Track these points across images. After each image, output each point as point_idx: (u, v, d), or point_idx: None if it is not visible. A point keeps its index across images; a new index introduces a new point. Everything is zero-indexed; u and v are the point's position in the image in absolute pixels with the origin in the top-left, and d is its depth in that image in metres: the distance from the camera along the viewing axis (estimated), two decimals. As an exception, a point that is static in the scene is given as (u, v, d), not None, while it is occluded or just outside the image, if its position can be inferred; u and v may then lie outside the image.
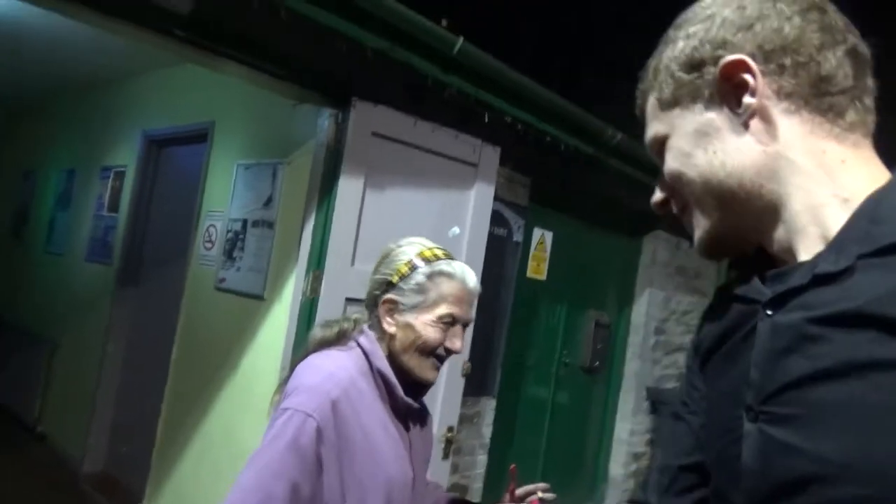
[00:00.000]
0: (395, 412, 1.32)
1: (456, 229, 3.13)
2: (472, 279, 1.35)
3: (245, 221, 3.22)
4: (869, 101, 0.69)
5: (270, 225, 3.07)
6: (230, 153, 3.44)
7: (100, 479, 4.04)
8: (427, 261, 1.34)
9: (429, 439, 1.50)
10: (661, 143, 0.75)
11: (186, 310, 3.52)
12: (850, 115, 0.67)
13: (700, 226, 0.73)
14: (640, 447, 4.96)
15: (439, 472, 3.11)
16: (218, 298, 3.31)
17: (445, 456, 3.13)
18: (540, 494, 1.42)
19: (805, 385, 0.59)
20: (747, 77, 0.66)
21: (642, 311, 4.87)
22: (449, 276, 1.32)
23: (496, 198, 3.42)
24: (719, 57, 0.68)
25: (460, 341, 1.33)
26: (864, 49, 0.69)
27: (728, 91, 0.68)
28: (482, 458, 3.70)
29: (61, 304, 4.82)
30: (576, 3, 5.49)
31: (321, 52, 2.54)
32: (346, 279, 2.76)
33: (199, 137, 3.66)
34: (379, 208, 2.86)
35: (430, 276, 1.31)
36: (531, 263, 4.06)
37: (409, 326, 1.29)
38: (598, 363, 4.63)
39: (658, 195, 0.79)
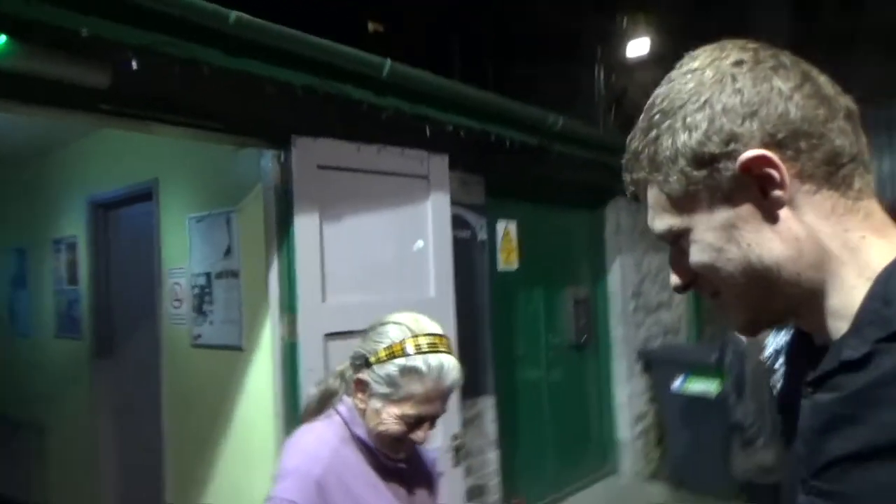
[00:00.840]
0: (384, 472, 1.33)
1: (420, 242, 3.13)
2: (450, 377, 1.26)
3: (209, 275, 3.18)
4: (867, 159, 0.68)
5: (235, 274, 3.04)
6: (180, 208, 3.38)
7: (115, 554, 3.99)
8: (405, 354, 1.25)
9: (432, 482, 1.50)
10: (679, 234, 0.71)
11: (168, 372, 3.47)
12: (857, 182, 0.67)
13: (741, 311, 0.72)
14: (642, 407, 5.05)
15: (454, 480, 3.14)
16: (196, 356, 3.27)
17: (456, 463, 3.15)
18: None
19: (843, 464, 0.62)
20: (771, 172, 0.64)
21: (617, 278, 4.94)
22: (420, 375, 1.23)
23: (453, 202, 3.42)
24: (733, 153, 0.65)
25: (424, 433, 1.29)
26: (854, 105, 0.69)
27: (751, 183, 0.66)
28: (492, 456, 3.74)
29: (40, 385, 4.71)
30: None
31: (251, 99, 2.50)
32: (320, 317, 2.74)
33: (145, 196, 3.59)
34: (339, 239, 2.84)
35: (402, 372, 1.24)
36: (501, 256, 4.09)
37: (375, 412, 1.28)
38: (585, 337, 4.69)
39: (678, 281, 0.75)
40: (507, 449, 3.95)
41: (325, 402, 1.35)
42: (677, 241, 0.72)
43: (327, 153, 2.78)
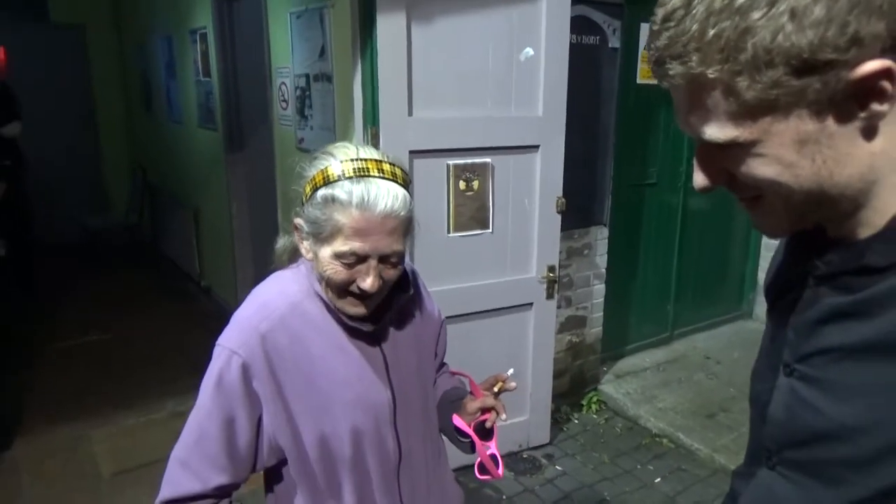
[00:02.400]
0: (354, 333, 1.16)
1: (529, 50, 2.69)
2: (380, 203, 1.02)
3: (308, 76, 3.03)
4: None
5: (329, 78, 2.86)
6: (283, 1, 3.18)
7: (254, 326, 4.50)
8: (325, 182, 1.04)
9: (425, 341, 1.31)
10: (740, 146, 0.60)
11: (279, 171, 3.54)
12: None
13: (785, 222, 0.65)
14: (794, 251, 4.47)
15: (545, 312, 3.02)
16: (301, 159, 3.26)
17: (549, 296, 3.00)
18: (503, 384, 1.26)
19: (836, 354, 0.63)
20: (886, 85, 0.54)
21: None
22: (341, 203, 1.02)
23: (578, 0, 2.87)
24: (851, 61, 0.53)
25: (373, 279, 1.06)
26: None
27: (854, 96, 0.55)
28: (599, 288, 3.54)
29: (192, 169, 5.13)
30: None
31: None
32: (404, 132, 2.53)
33: (255, -13, 3.41)
34: (430, 43, 2.51)
35: (324, 203, 1.03)
36: (642, 67, 3.50)
37: (316, 258, 1.09)
38: (736, 167, 4.07)
39: (707, 182, 0.65)
40: (618, 282, 3.71)
41: (295, 250, 1.19)
42: (728, 149, 0.61)
43: (418, -63, 2.36)
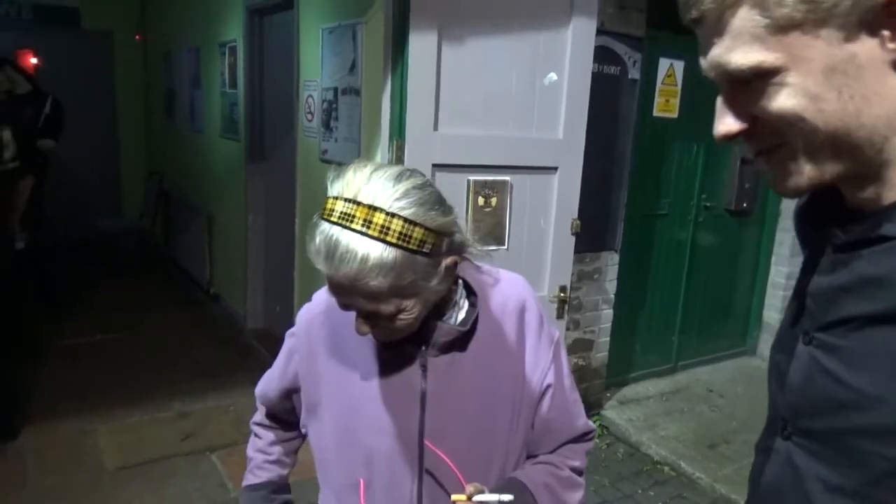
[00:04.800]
0: (394, 354, 1.03)
1: (553, 76, 2.78)
2: (345, 265, 0.85)
3: (336, 90, 3.13)
4: None
5: (357, 92, 2.95)
6: (316, 17, 3.29)
7: (261, 335, 4.53)
8: (321, 212, 0.89)
9: (504, 393, 1.07)
10: (767, 73, 0.58)
11: (300, 182, 3.62)
12: None
13: (804, 174, 0.62)
14: (800, 291, 4.51)
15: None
16: (323, 170, 3.32)
17: (559, 315, 3.04)
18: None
19: (857, 322, 0.62)
20: None
21: (803, 141, 4.19)
22: (315, 248, 0.88)
23: (603, 31, 2.98)
24: None
25: (361, 326, 0.94)
26: None
27: (882, 21, 0.54)
28: (607, 313, 3.58)
29: (209, 178, 5.22)
30: None
31: None
32: (429, 146, 2.61)
33: (289, 3, 3.53)
34: (459, 63, 2.60)
35: (308, 243, 0.90)
36: (658, 100, 3.60)
37: None
38: (745, 204, 4.15)
39: (734, 125, 0.63)
40: (626, 309, 3.76)
41: None
42: (752, 81, 0.59)
43: (454, -39, 2.46)
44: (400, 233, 0.86)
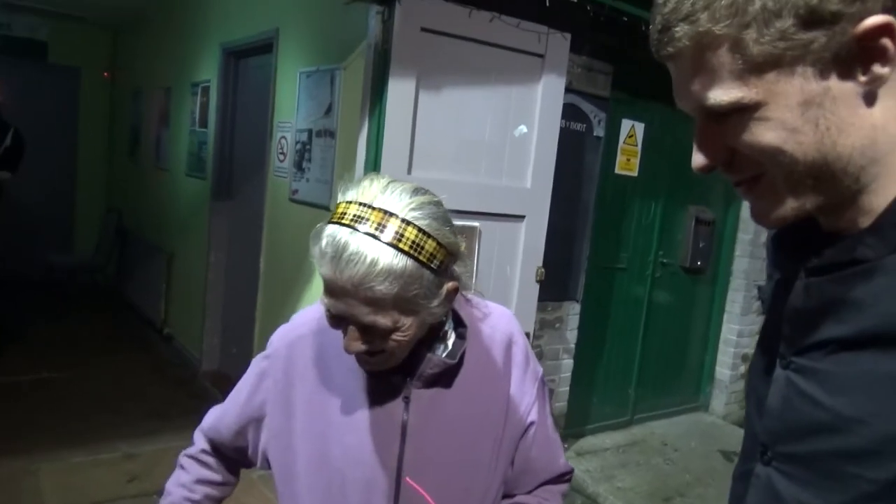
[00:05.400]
0: (378, 384, 1.01)
1: (523, 128, 2.91)
2: (351, 266, 0.83)
3: (310, 132, 3.18)
4: None
5: (332, 134, 3.01)
6: (294, 61, 3.37)
7: (215, 376, 4.41)
8: (331, 217, 0.88)
9: (486, 430, 1.05)
10: (746, 108, 0.60)
11: (268, 221, 3.62)
12: None
13: (786, 205, 0.63)
14: (749, 348, 4.66)
15: (516, 378, 3.08)
16: (292, 210, 3.36)
17: (522, 362, 3.08)
18: None
19: (832, 345, 0.63)
20: (887, 44, 0.56)
21: (752, 204, 4.41)
22: (320, 251, 0.86)
23: (572, 90, 3.14)
24: (856, 14, 0.55)
25: (351, 342, 0.90)
26: None
27: (857, 56, 0.57)
28: (567, 363, 3.63)
29: (171, 216, 5.16)
30: None
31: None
32: (403, 188, 2.67)
33: (267, 47, 3.61)
34: (435, 110, 2.70)
35: (313, 240, 0.89)
36: (620, 158, 3.76)
37: None
38: (700, 262, 4.31)
39: (712, 158, 0.64)
40: (586, 359, 3.82)
41: None
42: (730, 115, 0.61)
43: (434, 15, 2.59)
44: (413, 242, 0.85)
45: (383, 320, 0.87)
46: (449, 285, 0.93)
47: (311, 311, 1.12)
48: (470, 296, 1.10)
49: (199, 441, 1.19)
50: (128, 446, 3.43)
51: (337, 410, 1.02)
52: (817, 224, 0.68)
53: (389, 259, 0.83)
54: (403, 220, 0.85)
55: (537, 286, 3.05)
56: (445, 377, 1.02)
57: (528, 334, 3.04)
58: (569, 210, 3.35)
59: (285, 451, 1.06)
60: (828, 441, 0.63)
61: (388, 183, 0.89)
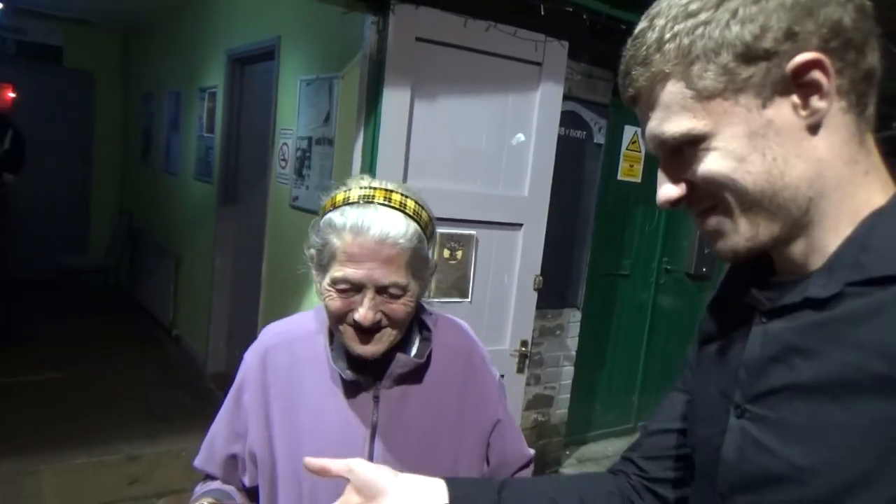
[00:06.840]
0: (352, 388, 1.08)
1: (520, 136, 2.90)
2: (375, 228, 0.96)
3: (310, 139, 3.20)
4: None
5: (330, 142, 3.02)
6: (295, 69, 3.39)
7: (220, 378, 4.45)
8: (335, 206, 1.02)
9: (451, 432, 1.13)
10: (694, 140, 0.64)
11: (270, 227, 3.65)
12: (870, 109, 0.64)
13: (740, 233, 0.65)
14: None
15: (514, 385, 3.08)
16: (293, 216, 3.38)
17: (520, 370, 3.07)
18: None
19: (786, 393, 0.63)
20: (821, 79, 0.60)
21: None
22: (337, 227, 0.98)
23: (571, 97, 3.12)
24: (788, 51, 0.60)
25: (365, 310, 0.99)
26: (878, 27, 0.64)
27: (794, 90, 0.61)
28: (568, 370, 3.62)
29: (180, 219, 5.22)
30: None
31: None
32: (397, 197, 2.67)
33: (270, 55, 3.64)
34: (431, 119, 2.69)
35: (321, 229, 1.01)
36: (623, 165, 3.74)
37: (319, 287, 1.05)
38: (705, 269, 4.27)
39: (674, 192, 0.68)
40: (587, 366, 3.80)
41: None
42: (684, 149, 0.65)
43: (429, 25, 2.59)
44: (414, 210, 1.02)
45: (397, 277, 0.99)
46: (431, 269, 1.08)
47: (279, 324, 1.19)
48: (426, 305, 1.18)
49: (198, 486, 1.21)
50: (130, 448, 3.48)
51: (309, 416, 1.08)
52: (771, 266, 0.70)
53: (402, 220, 0.99)
54: (402, 194, 1.03)
55: (535, 294, 3.03)
56: (413, 376, 1.10)
57: (525, 342, 3.03)
58: (568, 217, 3.34)
59: (267, 460, 1.10)
60: (784, 492, 0.62)
61: (373, 179, 1.06)
